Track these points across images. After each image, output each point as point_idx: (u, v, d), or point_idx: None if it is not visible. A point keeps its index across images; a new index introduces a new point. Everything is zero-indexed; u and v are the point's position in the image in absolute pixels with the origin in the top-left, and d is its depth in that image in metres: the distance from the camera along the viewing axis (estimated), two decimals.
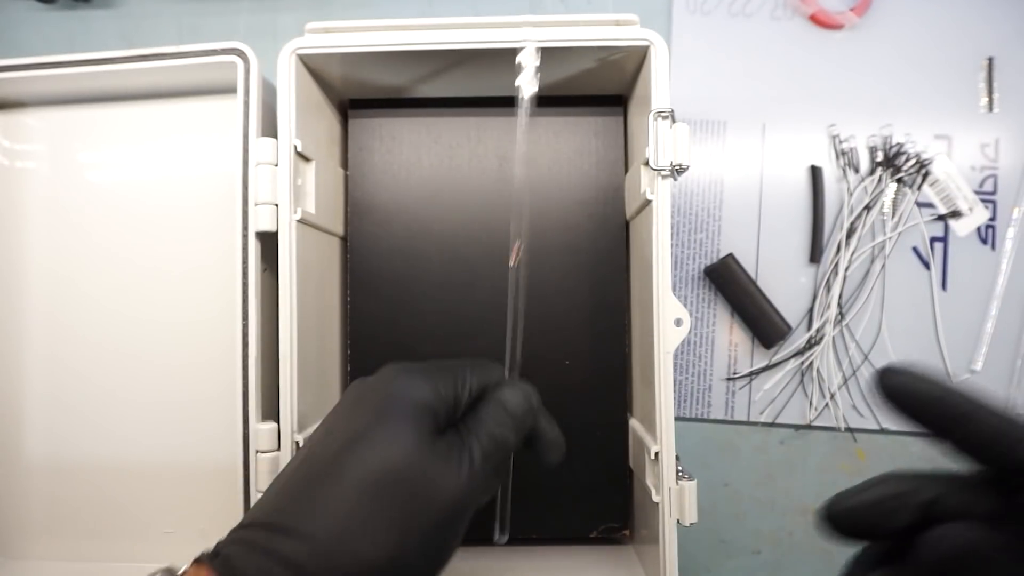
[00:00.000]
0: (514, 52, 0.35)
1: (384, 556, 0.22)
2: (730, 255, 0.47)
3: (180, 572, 0.23)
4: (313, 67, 0.37)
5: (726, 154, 0.48)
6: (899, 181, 0.47)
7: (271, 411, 0.35)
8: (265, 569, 0.22)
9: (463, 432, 0.26)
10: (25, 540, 0.42)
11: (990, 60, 0.47)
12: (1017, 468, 0.18)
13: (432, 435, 0.25)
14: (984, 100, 0.48)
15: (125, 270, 0.42)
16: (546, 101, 0.42)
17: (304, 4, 0.50)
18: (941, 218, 0.47)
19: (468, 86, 0.41)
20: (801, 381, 0.48)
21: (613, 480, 0.41)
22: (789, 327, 0.47)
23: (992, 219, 0.47)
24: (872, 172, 0.47)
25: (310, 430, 0.36)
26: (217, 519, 0.41)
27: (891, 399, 0.20)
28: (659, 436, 0.33)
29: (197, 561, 0.23)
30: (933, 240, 0.47)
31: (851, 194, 0.47)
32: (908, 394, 0.20)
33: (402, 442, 0.24)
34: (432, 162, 0.42)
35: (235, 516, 0.34)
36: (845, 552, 0.50)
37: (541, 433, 0.29)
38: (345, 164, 0.43)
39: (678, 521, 0.33)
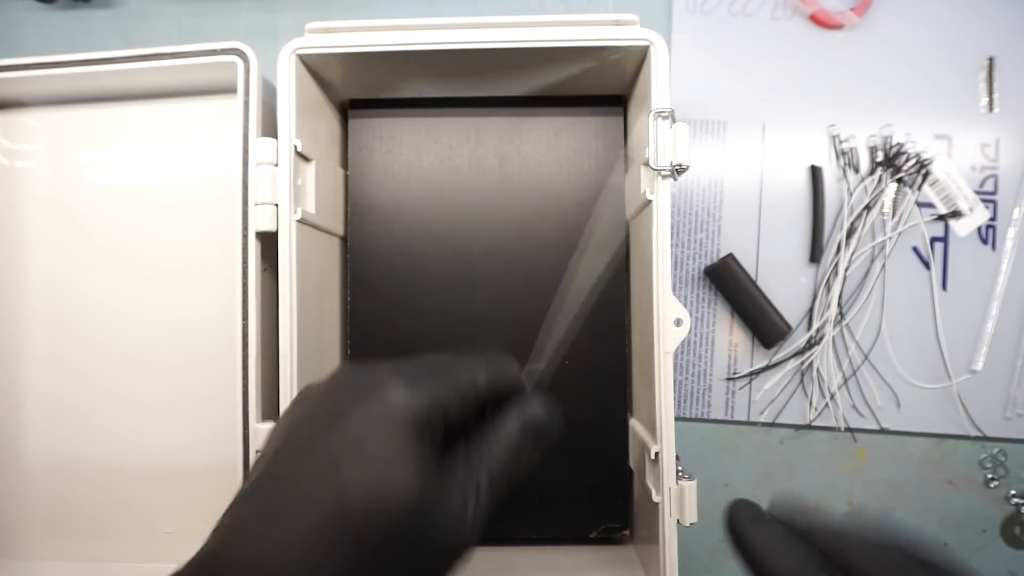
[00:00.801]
0: (514, 52, 0.35)
1: None
2: (730, 255, 0.47)
3: None
4: (313, 67, 0.37)
5: (726, 154, 0.48)
6: (899, 181, 0.47)
7: (271, 411, 0.35)
8: None
9: (473, 456, 0.20)
10: (26, 540, 0.42)
11: (990, 60, 0.47)
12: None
13: (435, 462, 0.19)
14: (984, 100, 0.48)
15: (125, 270, 0.42)
16: (546, 101, 0.42)
17: (304, 4, 0.50)
18: (941, 218, 0.47)
19: (468, 86, 0.41)
20: (801, 381, 0.48)
21: (613, 480, 0.41)
22: (789, 327, 0.47)
23: (992, 219, 0.47)
24: (872, 172, 0.47)
25: None
26: (217, 519, 0.41)
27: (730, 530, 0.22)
28: (659, 436, 0.33)
29: None
30: (933, 240, 0.47)
31: (851, 194, 0.47)
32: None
33: (397, 478, 0.18)
34: (432, 162, 0.42)
35: None
36: None
37: None
38: (345, 164, 0.43)
39: (678, 521, 0.33)
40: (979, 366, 0.47)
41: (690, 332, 0.44)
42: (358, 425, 0.19)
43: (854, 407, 0.47)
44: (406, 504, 0.18)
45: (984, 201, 0.47)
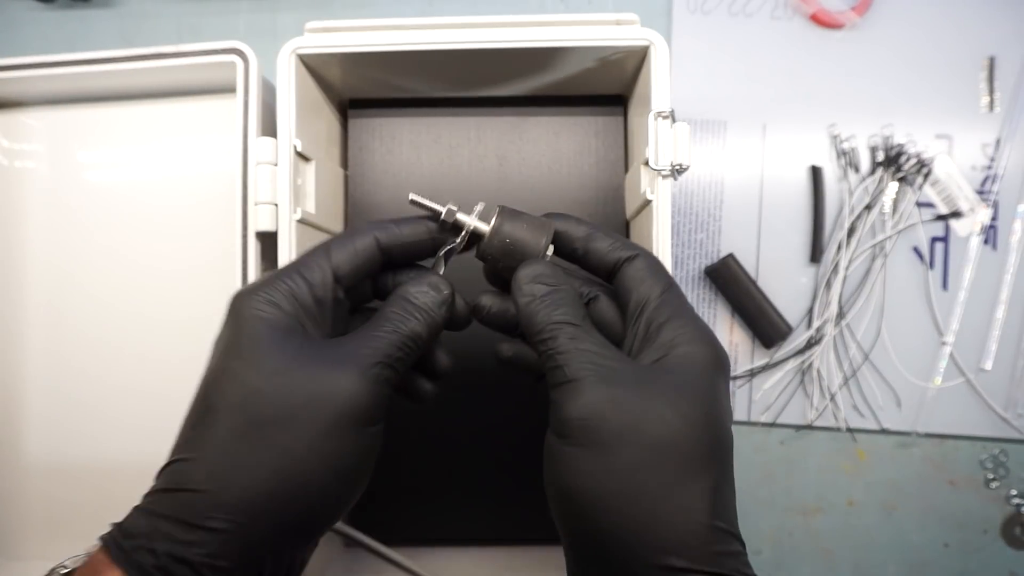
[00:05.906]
0: (514, 52, 0.35)
1: (264, 490, 0.21)
2: (730, 255, 0.47)
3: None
4: (313, 67, 0.37)
5: (726, 154, 0.48)
6: (900, 181, 0.47)
7: None
8: (161, 513, 0.24)
9: (358, 327, 0.25)
10: (24, 540, 0.42)
11: (990, 60, 0.47)
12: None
13: (298, 345, 0.23)
14: (984, 100, 0.48)
15: (125, 270, 0.42)
16: (546, 101, 0.42)
17: (304, 4, 0.50)
18: (942, 218, 0.47)
19: (468, 86, 0.41)
20: (801, 381, 0.47)
21: None
22: (789, 327, 0.47)
23: (993, 219, 0.47)
24: (873, 172, 0.47)
25: None
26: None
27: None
28: None
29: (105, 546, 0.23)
30: (934, 240, 0.47)
31: (852, 194, 0.47)
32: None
33: (258, 367, 0.22)
34: (432, 162, 0.42)
35: None
36: (844, 551, 0.50)
37: (435, 356, 0.29)
38: (345, 164, 0.43)
39: None
40: (981, 366, 0.47)
41: None
42: (226, 346, 0.24)
43: (854, 407, 0.47)
44: (273, 384, 0.22)
45: (984, 201, 0.47)
